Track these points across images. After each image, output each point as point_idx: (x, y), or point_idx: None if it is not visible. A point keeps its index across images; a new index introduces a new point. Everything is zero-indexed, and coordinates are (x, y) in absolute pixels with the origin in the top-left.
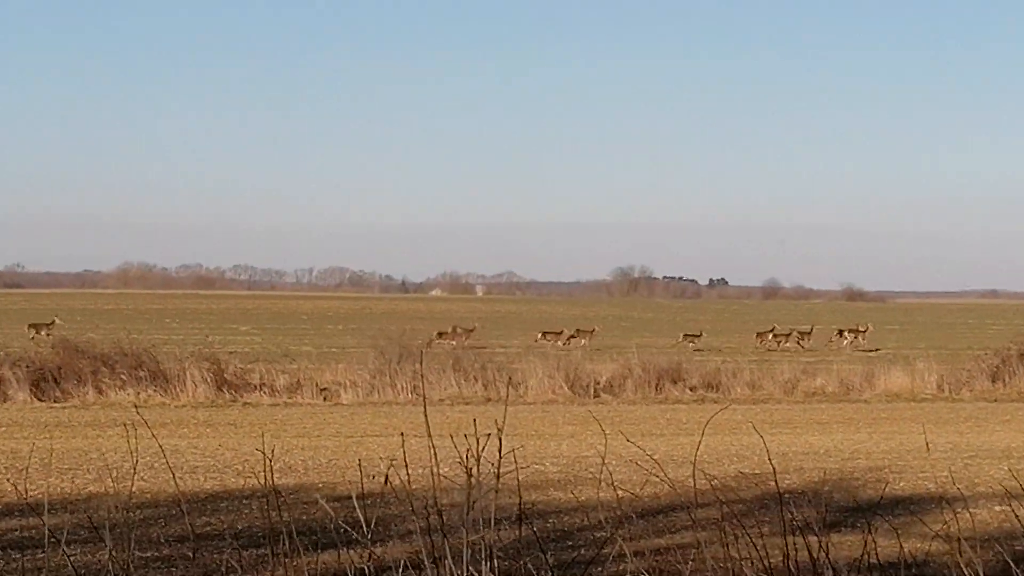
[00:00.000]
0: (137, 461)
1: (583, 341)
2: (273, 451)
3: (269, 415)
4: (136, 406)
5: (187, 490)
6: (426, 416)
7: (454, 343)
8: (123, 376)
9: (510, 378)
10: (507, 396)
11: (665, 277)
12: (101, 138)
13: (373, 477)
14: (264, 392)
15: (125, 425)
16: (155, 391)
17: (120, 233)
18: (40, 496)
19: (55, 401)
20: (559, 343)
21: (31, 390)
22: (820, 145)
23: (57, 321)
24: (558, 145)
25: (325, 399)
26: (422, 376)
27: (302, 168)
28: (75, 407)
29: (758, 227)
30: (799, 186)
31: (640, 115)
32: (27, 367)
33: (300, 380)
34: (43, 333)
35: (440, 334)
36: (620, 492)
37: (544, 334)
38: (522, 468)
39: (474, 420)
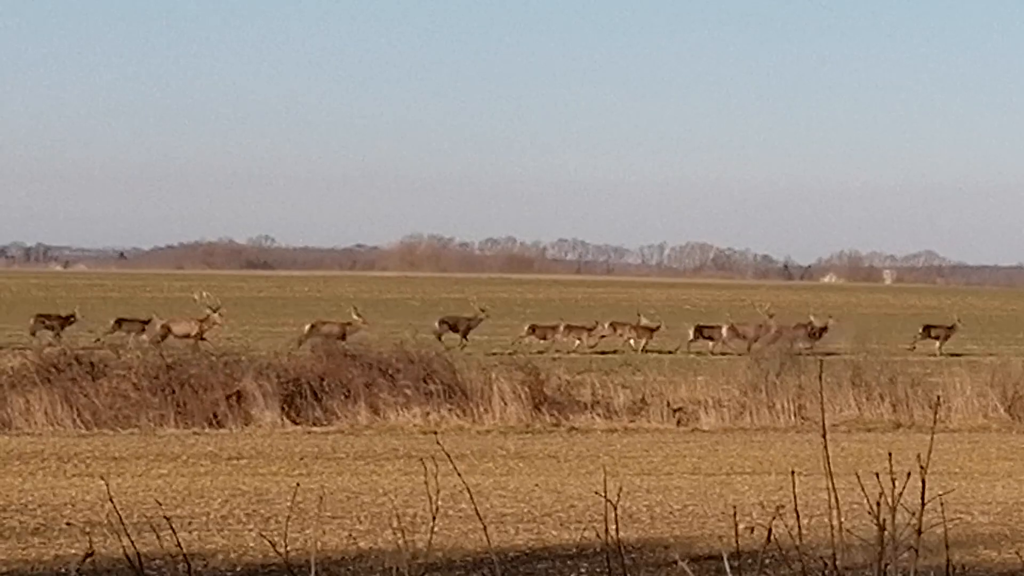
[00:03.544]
0: (437, 508)
1: None
2: (619, 494)
3: (603, 444)
4: (432, 431)
5: (495, 546)
6: (825, 448)
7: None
8: (407, 391)
9: (939, 397)
10: (934, 421)
11: None
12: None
13: (750, 530)
14: (597, 413)
15: (422, 459)
16: (450, 411)
17: (403, 196)
18: (300, 554)
19: (314, 424)
20: None
21: (282, 409)
22: None
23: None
24: (989, 78)
25: (679, 423)
26: (821, 394)
27: (653, 110)
28: (341, 432)
29: None
30: None
31: None
32: (278, 378)
33: (645, 397)
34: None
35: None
36: None
37: None
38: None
39: (889, 454)
